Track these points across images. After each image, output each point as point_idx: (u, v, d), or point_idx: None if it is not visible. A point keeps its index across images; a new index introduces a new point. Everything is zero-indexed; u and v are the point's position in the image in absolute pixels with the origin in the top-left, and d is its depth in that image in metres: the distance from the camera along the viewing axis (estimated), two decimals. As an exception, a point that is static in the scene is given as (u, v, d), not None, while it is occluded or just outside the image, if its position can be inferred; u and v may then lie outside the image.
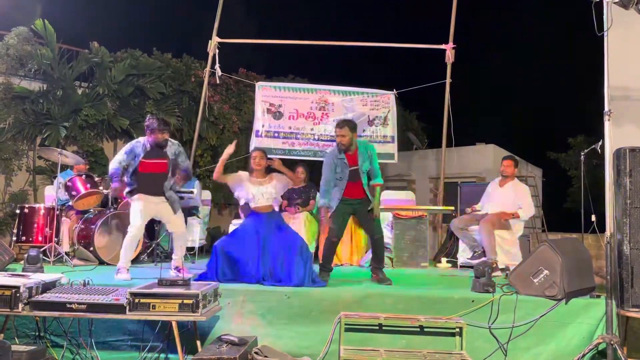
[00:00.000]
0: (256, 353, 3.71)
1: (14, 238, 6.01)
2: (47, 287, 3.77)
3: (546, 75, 17.48)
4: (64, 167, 6.50)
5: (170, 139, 5.06)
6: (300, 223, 6.46)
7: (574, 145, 13.42)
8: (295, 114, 7.73)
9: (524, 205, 5.90)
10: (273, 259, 4.65)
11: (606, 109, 3.97)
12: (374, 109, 7.80)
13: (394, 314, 4.04)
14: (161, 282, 3.75)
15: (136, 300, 3.51)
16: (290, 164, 7.18)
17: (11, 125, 8.36)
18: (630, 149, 4.11)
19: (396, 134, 7.87)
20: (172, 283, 3.75)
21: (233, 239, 4.87)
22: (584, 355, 3.81)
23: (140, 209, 4.85)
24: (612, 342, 3.69)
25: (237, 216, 7.30)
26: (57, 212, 5.86)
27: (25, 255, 4.77)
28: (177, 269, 5.04)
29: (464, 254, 6.27)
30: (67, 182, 5.92)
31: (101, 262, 5.79)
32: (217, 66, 7.83)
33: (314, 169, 7.15)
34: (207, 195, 7.67)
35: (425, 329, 3.96)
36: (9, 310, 3.51)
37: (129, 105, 9.30)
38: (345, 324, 3.92)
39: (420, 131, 14.40)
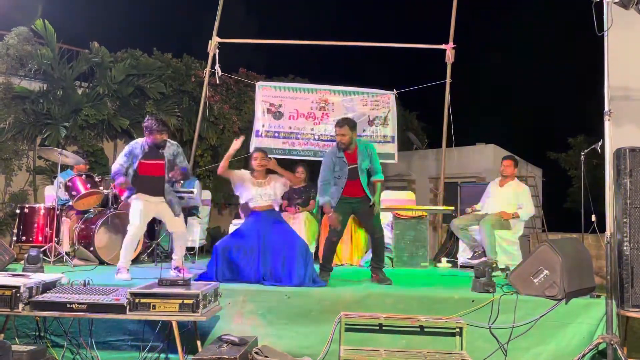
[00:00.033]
0: (256, 353, 3.71)
1: (14, 238, 6.01)
2: (48, 287, 3.77)
3: (546, 75, 17.50)
4: (64, 167, 6.51)
5: (169, 139, 5.06)
6: (300, 223, 6.47)
7: (574, 145, 13.42)
8: (295, 114, 7.73)
9: (524, 205, 5.90)
10: (273, 258, 4.65)
11: (606, 109, 3.97)
12: (374, 109, 7.80)
13: (394, 314, 4.04)
14: (161, 282, 3.75)
15: (136, 300, 3.51)
16: (290, 164, 7.20)
17: (11, 125, 8.36)
18: (630, 149, 4.11)
19: (396, 134, 7.87)
20: (173, 283, 3.75)
21: (233, 239, 4.87)
22: (584, 355, 3.82)
23: (140, 208, 4.85)
24: (612, 342, 3.69)
25: (237, 216, 7.30)
26: (57, 212, 5.86)
27: (26, 255, 4.78)
28: (177, 269, 5.04)
29: (464, 254, 6.28)
30: (68, 182, 5.92)
31: (101, 262, 5.79)
32: (217, 66, 7.83)
33: (314, 169, 7.14)
34: (207, 195, 7.67)
35: (426, 329, 3.96)
36: (9, 310, 3.51)
37: (129, 105, 9.31)
38: (346, 324, 3.92)
39: (420, 131, 14.40)
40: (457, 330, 3.91)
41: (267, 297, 4.20)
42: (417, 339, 3.97)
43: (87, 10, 13.59)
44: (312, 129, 7.72)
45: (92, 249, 5.80)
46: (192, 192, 6.36)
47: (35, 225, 5.92)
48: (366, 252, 6.45)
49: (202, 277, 4.67)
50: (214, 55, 7.84)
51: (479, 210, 6.24)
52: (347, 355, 3.72)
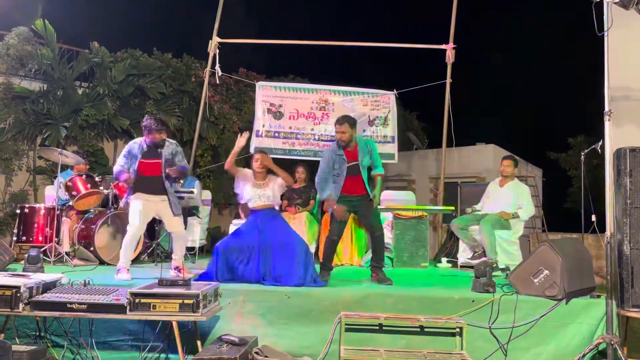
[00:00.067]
0: (256, 353, 3.71)
1: (14, 238, 6.02)
2: (48, 287, 3.77)
3: (546, 75, 17.49)
4: (64, 167, 6.51)
5: (168, 139, 5.06)
6: (301, 223, 6.47)
7: (574, 145, 13.41)
8: (295, 114, 7.73)
9: (524, 205, 5.90)
10: (273, 258, 4.65)
11: (606, 109, 3.97)
12: (375, 109, 7.80)
13: (394, 314, 4.04)
14: (162, 282, 3.75)
15: (137, 300, 3.51)
16: (290, 164, 7.20)
17: (11, 125, 8.36)
18: (630, 149, 4.11)
19: (396, 134, 7.87)
20: (173, 283, 3.75)
21: (233, 239, 4.87)
22: (584, 355, 3.82)
23: (140, 208, 4.85)
24: (612, 342, 3.69)
25: (237, 216, 7.30)
26: (58, 212, 5.87)
27: (26, 255, 4.78)
28: (177, 269, 5.04)
29: (464, 254, 6.27)
30: (68, 182, 5.92)
31: (101, 262, 5.79)
32: (217, 66, 7.83)
33: (314, 169, 7.12)
34: (207, 195, 7.68)
35: (426, 329, 3.96)
36: (9, 310, 3.51)
37: (129, 105, 9.31)
38: (346, 324, 3.92)
39: (420, 131, 14.40)
40: (457, 330, 3.91)
41: (267, 297, 4.20)
42: (417, 339, 3.97)
43: (87, 10, 13.60)
44: (312, 129, 7.72)
45: (92, 249, 5.80)
46: (192, 192, 6.36)
47: (36, 225, 5.93)
48: (366, 252, 6.45)
49: (202, 277, 4.67)
50: (214, 55, 7.84)
51: (479, 210, 6.24)
52: (347, 355, 3.72)
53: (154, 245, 6.35)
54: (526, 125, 17.40)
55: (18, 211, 6.08)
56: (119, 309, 3.52)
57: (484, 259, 5.59)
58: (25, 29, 8.54)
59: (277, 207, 5.11)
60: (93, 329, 3.95)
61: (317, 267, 4.92)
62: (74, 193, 5.88)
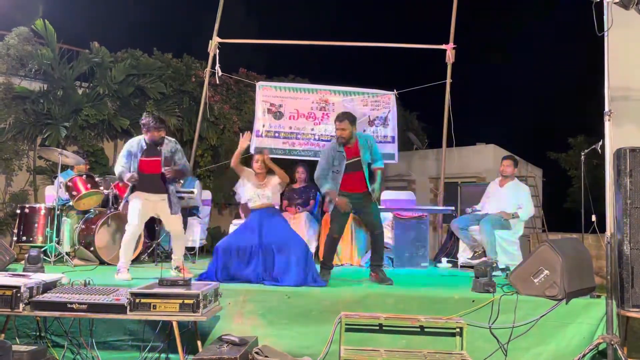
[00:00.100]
0: (257, 353, 3.71)
1: (15, 238, 6.02)
2: (48, 287, 3.77)
3: (546, 75, 17.49)
4: (65, 167, 6.51)
5: (167, 136, 5.07)
6: (301, 223, 6.48)
7: (574, 145, 13.41)
8: (295, 114, 7.73)
9: (524, 205, 5.91)
10: (273, 258, 4.66)
11: (606, 109, 3.97)
12: (375, 109, 7.81)
13: (394, 314, 4.05)
14: (162, 282, 3.76)
15: (137, 300, 3.51)
16: (291, 164, 7.21)
17: (12, 125, 8.37)
18: (630, 149, 4.11)
19: (396, 134, 7.87)
20: (173, 283, 3.75)
21: (233, 239, 4.88)
22: (584, 355, 3.82)
23: (139, 207, 4.86)
24: (612, 342, 3.70)
25: (237, 216, 7.31)
26: (58, 212, 5.87)
27: (26, 255, 4.78)
28: (178, 269, 5.05)
29: (464, 254, 6.28)
30: (68, 182, 5.93)
31: (102, 262, 5.79)
32: (217, 66, 7.83)
33: (314, 169, 7.14)
34: (207, 195, 7.68)
35: (426, 329, 3.96)
36: (9, 310, 3.52)
37: (130, 105, 9.31)
38: (346, 324, 3.92)
39: (420, 131, 14.41)
40: (458, 330, 3.91)
41: (267, 297, 4.20)
42: (417, 339, 3.97)
43: (87, 10, 13.60)
44: (312, 129, 7.73)
45: (92, 249, 5.80)
46: (192, 192, 6.37)
47: (36, 225, 5.93)
48: (366, 252, 6.45)
49: (202, 277, 4.68)
50: (214, 55, 7.84)
51: (479, 210, 6.24)
52: (347, 355, 3.72)
53: (154, 245, 6.35)
54: (526, 125, 17.40)
55: (18, 211, 6.09)
56: (119, 309, 3.53)
57: (484, 259, 5.59)
58: (26, 29, 8.54)
59: (277, 207, 5.12)
60: (93, 329, 3.96)
61: (318, 266, 4.93)
62: (74, 193, 5.88)
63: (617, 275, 4.01)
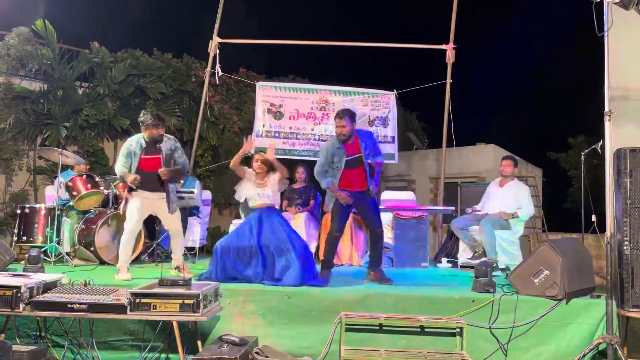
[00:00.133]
0: (257, 353, 3.71)
1: (15, 238, 6.02)
2: (48, 287, 3.77)
3: (546, 76, 17.49)
4: (65, 167, 6.51)
5: (166, 134, 5.07)
6: (301, 223, 6.47)
7: (574, 145, 13.40)
8: (295, 114, 7.74)
9: (524, 205, 5.91)
10: (273, 258, 4.65)
11: (606, 109, 3.97)
12: (375, 109, 7.81)
13: (394, 314, 4.05)
14: (162, 282, 3.76)
15: (137, 300, 3.51)
16: (291, 164, 7.20)
17: (12, 125, 8.37)
18: (630, 149, 4.11)
19: (396, 134, 7.88)
20: (173, 283, 3.75)
21: (233, 238, 4.87)
22: (584, 356, 3.82)
23: (137, 206, 4.87)
24: (612, 342, 3.70)
25: (238, 216, 7.31)
26: (58, 212, 5.87)
27: (26, 255, 4.78)
28: (178, 268, 5.05)
29: (464, 254, 6.28)
30: (68, 182, 5.93)
31: (102, 262, 5.79)
32: (217, 66, 7.84)
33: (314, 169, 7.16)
34: (207, 195, 7.68)
35: (426, 329, 3.96)
36: (10, 310, 3.52)
37: (130, 105, 9.31)
38: (346, 324, 3.92)
39: (420, 131, 14.41)
40: (458, 330, 3.91)
41: (267, 297, 4.21)
42: (417, 339, 3.98)
43: (87, 10, 13.60)
44: (312, 129, 7.73)
45: (92, 249, 5.80)
46: (192, 192, 6.37)
47: (36, 225, 5.93)
48: (366, 252, 6.45)
49: (202, 277, 4.68)
50: (215, 55, 7.85)
51: (479, 210, 6.24)
52: (347, 355, 3.72)
53: (154, 245, 6.35)
54: (526, 125, 17.40)
55: (18, 211, 6.09)
56: (120, 309, 3.53)
57: (484, 259, 5.60)
58: (26, 29, 8.54)
59: (277, 206, 5.12)
60: (93, 329, 3.96)
61: (318, 266, 4.93)
62: (74, 193, 5.88)
63: (617, 275, 4.01)
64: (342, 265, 6.47)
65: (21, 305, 3.51)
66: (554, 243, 4.17)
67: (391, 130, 7.82)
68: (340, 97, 7.82)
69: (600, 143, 4.15)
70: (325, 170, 4.99)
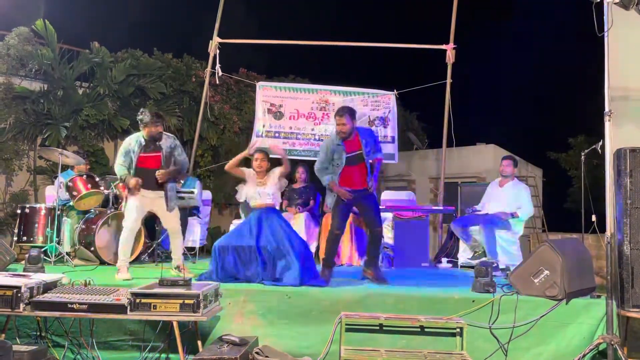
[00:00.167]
0: (257, 353, 3.72)
1: (15, 238, 6.02)
2: (48, 287, 3.77)
3: (546, 76, 17.48)
4: (65, 167, 6.51)
5: (165, 132, 5.07)
6: (301, 223, 6.48)
7: (574, 146, 13.39)
8: (296, 114, 7.74)
9: (524, 205, 5.91)
10: (273, 258, 4.65)
11: (606, 109, 3.97)
12: (375, 109, 7.82)
13: (394, 314, 4.05)
14: (162, 282, 3.76)
15: (137, 300, 3.51)
16: (291, 164, 7.19)
17: (12, 125, 8.37)
18: (630, 149, 4.11)
19: (396, 134, 7.88)
20: (173, 283, 3.75)
21: (233, 238, 4.87)
22: (584, 356, 3.82)
23: (136, 204, 4.88)
24: (612, 343, 3.70)
25: (238, 216, 7.31)
26: (58, 212, 5.87)
27: (26, 256, 4.78)
28: (178, 268, 5.05)
29: (464, 254, 6.28)
30: (69, 182, 5.93)
31: (102, 262, 5.79)
32: (217, 66, 7.84)
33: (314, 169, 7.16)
34: (207, 195, 7.68)
35: (426, 329, 3.96)
36: (10, 310, 3.52)
37: (130, 105, 9.32)
38: (346, 324, 3.92)
39: (420, 131, 14.42)
40: (458, 330, 3.91)
41: (267, 297, 4.21)
42: (418, 339, 3.98)
43: (87, 10, 13.59)
44: (312, 129, 7.74)
45: (92, 249, 5.80)
46: (192, 192, 6.36)
47: (36, 225, 5.93)
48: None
49: (202, 277, 4.68)
50: (215, 55, 7.85)
51: (479, 211, 6.24)
52: (347, 355, 3.72)
53: (154, 245, 6.35)
54: (526, 125, 17.39)
55: (19, 211, 6.09)
56: (120, 309, 3.53)
57: (484, 259, 5.60)
58: (26, 29, 8.55)
59: (277, 206, 5.12)
60: (94, 329, 3.96)
61: (318, 266, 4.93)
62: (74, 193, 5.88)
63: (617, 275, 4.01)
64: (342, 265, 6.47)
65: (21, 305, 3.51)
66: (554, 243, 4.17)
67: (391, 130, 7.83)
68: (340, 97, 7.82)
69: (600, 143, 4.15)
70: (325, 168, 4.99)
